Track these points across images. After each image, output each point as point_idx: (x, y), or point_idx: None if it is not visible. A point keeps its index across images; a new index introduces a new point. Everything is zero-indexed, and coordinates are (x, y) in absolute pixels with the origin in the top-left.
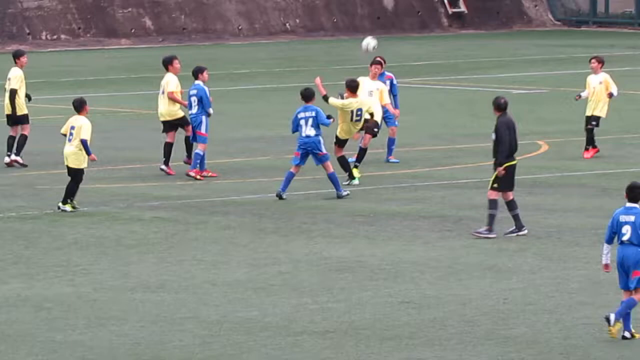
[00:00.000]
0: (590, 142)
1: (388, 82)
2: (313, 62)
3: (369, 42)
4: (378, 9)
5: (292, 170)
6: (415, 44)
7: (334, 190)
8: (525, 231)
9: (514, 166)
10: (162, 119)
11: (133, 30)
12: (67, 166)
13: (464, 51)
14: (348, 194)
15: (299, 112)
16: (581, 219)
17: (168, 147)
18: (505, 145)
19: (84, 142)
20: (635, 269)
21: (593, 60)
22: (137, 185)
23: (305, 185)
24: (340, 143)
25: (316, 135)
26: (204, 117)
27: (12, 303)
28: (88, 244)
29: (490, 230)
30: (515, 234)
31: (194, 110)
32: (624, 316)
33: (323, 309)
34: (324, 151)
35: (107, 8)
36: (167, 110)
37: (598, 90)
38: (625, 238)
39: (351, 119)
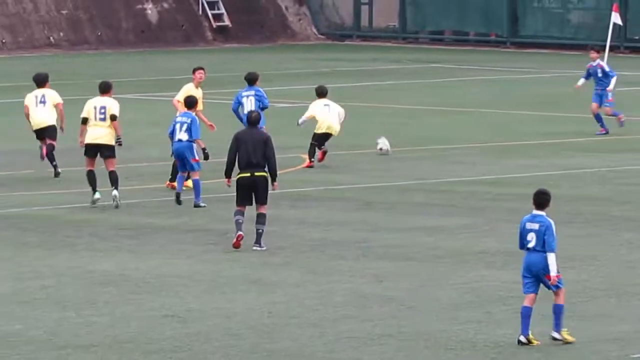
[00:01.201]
0: None
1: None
2: (78, 76)
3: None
4: (142, 23)
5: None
6: (179, 58)
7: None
8: (263, 248)
9: (244, 178)
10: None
11: None
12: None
13: (228, 65)
14: (205, 206)
15: (176, 118)
16: (345, 232)
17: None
18: (228, 159)
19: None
20: (546, 273)
21: None
22: None
23: (70, 199)
24: None
25: (188, 141)
26: None
27: None
28: None
29: (238, 232)
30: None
31: None
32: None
33: (87, 323)
34: (197, 158)
35: None
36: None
37: None
38: (530, 245)
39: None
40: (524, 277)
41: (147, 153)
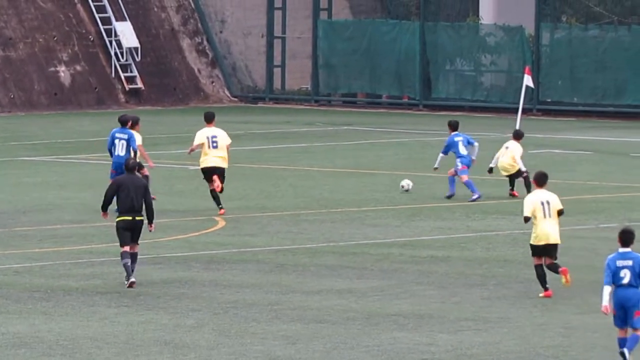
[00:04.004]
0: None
1: None
2: None
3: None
4: (55, 85)
5: None
6: (92, 120)
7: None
8: (133, 280)
9: (126, 222)
10: None
11: None
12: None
13: (141, 127)
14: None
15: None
16: (258, 294)
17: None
18: (105, 198)
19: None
20: (637, 309)
21: None
22: None
23: None
24: None
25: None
26: None
27: None
28: None
29: (128, 279)
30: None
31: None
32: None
33: None
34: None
35: None
36: None
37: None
38: (625, 281)
39: None
40: (617, 311)
41: (60, 215)
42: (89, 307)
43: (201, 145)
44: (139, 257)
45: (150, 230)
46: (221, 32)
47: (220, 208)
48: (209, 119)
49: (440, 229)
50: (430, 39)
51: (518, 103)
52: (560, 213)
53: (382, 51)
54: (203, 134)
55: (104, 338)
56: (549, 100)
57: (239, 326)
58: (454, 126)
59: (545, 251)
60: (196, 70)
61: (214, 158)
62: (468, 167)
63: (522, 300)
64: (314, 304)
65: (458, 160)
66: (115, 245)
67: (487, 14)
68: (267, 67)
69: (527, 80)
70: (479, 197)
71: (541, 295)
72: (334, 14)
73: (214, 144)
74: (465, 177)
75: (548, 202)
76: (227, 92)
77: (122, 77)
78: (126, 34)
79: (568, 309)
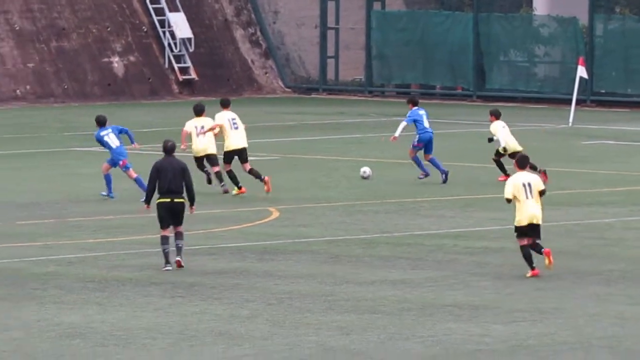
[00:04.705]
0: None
1: None
2: (44, 129)
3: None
4: (108, 76)
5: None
6: (145, 111)
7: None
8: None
9: (164, 203)
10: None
11: None
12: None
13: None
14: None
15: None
16: (312, 285)
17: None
18: (148, 185)
19: None
20: None
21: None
22: None
23: (35, 252)
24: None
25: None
26: None
27: None
28: None
29: (165, 265)
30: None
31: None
32: None
33: None
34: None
35: None
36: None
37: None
38: None
39: None
40: None
41: (113, 206)
42: (143, 298)
43: (220, 128)
44: (194, 247)
45: (190, 213)
46: (274, 22)
47: (240, 187)
48: (226, 104)
49: (494, 220)
50: (484, 30)
51: (572, 94)
52: (542, 193)
53: (435, 42)
54: (223, 117)
55: (158, 329)
56: (603, 91)
57: (293, 317)
58: (414, 102)
59: (531, 231)
60: (249, 61)
61: (237, 139)
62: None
63: (575, 291)
64: (368, 295)
65: (417, 137)
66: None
67: (541, 5)
68: (320, 58)
69: (581, 72)
70: (427, 176)
71: (528, 275)
72: (387, 4)
73: (235, 126)
74: (413, 154)
75: (529, 184)
76: (280, 83)
77: (176, 68)
78: (179, 24)
79: (621, 299)
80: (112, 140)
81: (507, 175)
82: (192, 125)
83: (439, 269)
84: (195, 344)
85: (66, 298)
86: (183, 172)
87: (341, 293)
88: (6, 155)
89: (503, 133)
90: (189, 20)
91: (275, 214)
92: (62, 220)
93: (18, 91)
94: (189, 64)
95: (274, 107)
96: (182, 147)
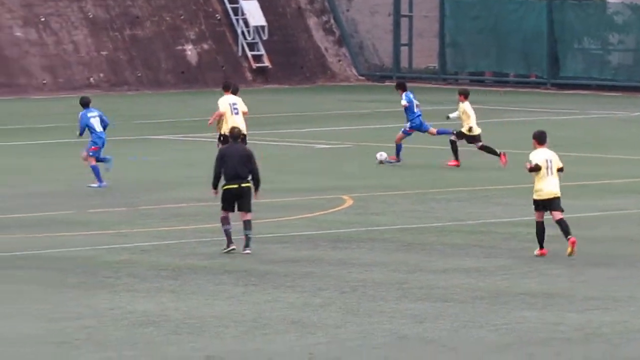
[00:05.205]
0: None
1: None
2: (117, 117)
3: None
4: (182, 64)
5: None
6: (218, 99)
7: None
8: (233, 247)
9: (231, 189)
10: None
11: None
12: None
13: (268, 106)
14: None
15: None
16: (385, 273)
17: None
18: (215, 171)
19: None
20: None
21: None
22: None
23: (108, 240)
24: None
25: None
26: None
27: None
28: None
29: (228, 246)
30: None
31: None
32: None
33: None
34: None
35: None
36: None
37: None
38: None
39: None
40: None
41: (186, 194)
42: (215, 286)
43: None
44: (266, 235)
45: (255, 198)
46: (348, 10)
47: None
48: (228, 88)
49: (567, 207)
50: (558, 17)
51: None
52: (560, 170)
53: (509, 30)
54: (225, 102)
55: (231, 317)
56: None
57: (366, 305)
58: (404, 87)
59: (550, 204)
60: (323, 49)
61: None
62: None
63: None
64: (441, 283)
65: (409, 123)
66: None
67: None
68: (394, 46)
69: None
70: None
71: (536, 253)
72: None
73: (235, 111)
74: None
75: (550, 160)
76: (353, 71)
77: (249, 56)
78: (253, 12)
79: None
80: (96, 124)
81: (458, 161)
82: (226, 104)
83: (512, 257)
84: (268, 332)
85: (139, 286)
86: (249, 158)
87: (414, 281)
88: (79, 143)
89: (473, 114)
90: (262, 8)
91: (349, 202)
92: (134, 209)
93: (92, 79)
94: (262, 51)
95: (347, 95)
96: (209, 124)
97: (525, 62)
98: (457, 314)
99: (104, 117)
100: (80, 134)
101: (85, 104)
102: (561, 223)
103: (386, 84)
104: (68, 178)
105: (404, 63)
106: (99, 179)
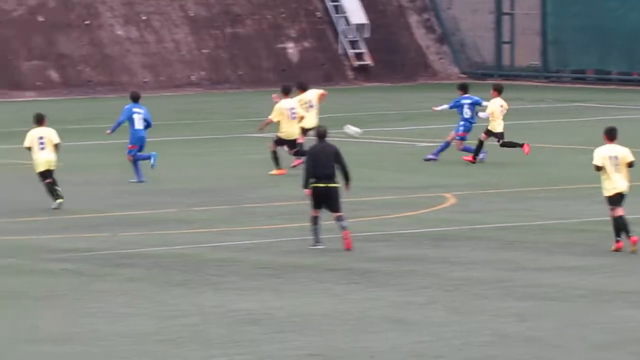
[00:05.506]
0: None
1: None
2: (218, 115)
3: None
4: (283, 62)
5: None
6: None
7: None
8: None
9: (318, 188)
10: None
11: (38, 83)
12: (48, 170)
13: (369, 104)
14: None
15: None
16: (488, 271)
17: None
18: (304, 171)
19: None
20: None
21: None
22: (44, 237)
23: (211, 238)
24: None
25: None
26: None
27: None
28: None
29: (315, 243)
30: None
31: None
32: None
33: None
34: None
35: (12, 61)
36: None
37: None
38: None
39: None
40: None
41: (287, 192)
42: (318, 284)
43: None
44: (368, 234)
45: (346, 190)
46: (449, 8)
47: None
48: (287, 92)
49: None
50: None
51: None
52: (630, 165)
53: (611, 27)
54: (283, 106)
55: (334, 315)
56: None
57: (469, 303)
58: (464, 89)
59: (618, 200)
60: (424, 47)
61: (292, 130)
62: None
63: None
64: (544, 281)
65: (462, 126)
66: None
67: None
68: (496, 44)
69: None
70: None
71: (612, 248)
72: None
73: (293, 116)
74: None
75: (616, 157)
76: (455, 69)
77: (350, 54)
78: (354, 10)
79: None
80: (138, 120)
81: (474, 158)
82: (285, 109)
83: (614, 255)
84: (372, 330)
85: (243, 284)
86: (335, 155)
87: (517, 279)
88: (181, 141)
89: (499, 112)
90: (363, 6)
91: (451, 200)
92: (238, 207)
93: (193, 77)
94: (363, 50)
95: (449, 93)
96: (258, 129)
97: (628, 60)
98: (561, 312)
99: (148, 117)
100: (112, 131)
101: (134, 98)
102: (618, 220)
103: (488, 81)
104: (168, 176)
105: (506, 61)
106: (139, 175)
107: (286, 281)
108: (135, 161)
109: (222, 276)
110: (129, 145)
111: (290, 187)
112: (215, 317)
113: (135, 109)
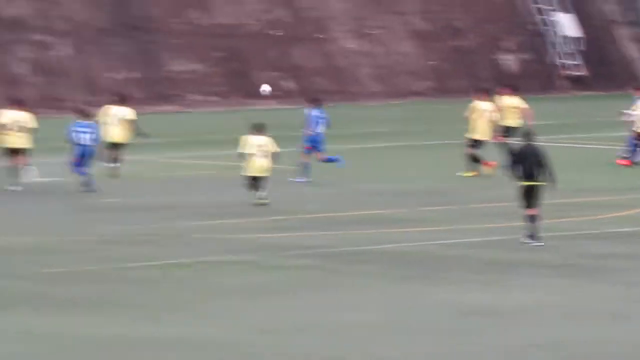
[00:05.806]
0: None
1: None
2: (440, 123)
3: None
4: (502, 73)
5: None
6: (536, 105)
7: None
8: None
9: (526, 187)
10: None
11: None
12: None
13: (582, 110)
14: None
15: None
16: None
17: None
18: (512, 170)
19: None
20: None
21: None
22: (282, 236)
23: (440, 235)
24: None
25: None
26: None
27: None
28: (234, 291)
29: (533, 239)
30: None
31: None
32: None
33: (459, 352)
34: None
35: (249, 72)
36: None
37: None
38: None
39: None
40: None
41: (510, 192)
42: (538, 279)
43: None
44: (582, 232)
45: (552, 190)
46: None
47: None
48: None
49: None
50: None
51: None
52: None
53: None
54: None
55: (556, 307)
56: None
57: None
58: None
59: None
60: (636, 60)
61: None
62: None
63: None
64: None
65: None
66: (559, 221)
67: None
68: None
69: None
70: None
71: None
72: None
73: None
74: None
75: None
76: None
77: (565, 65)
78: (569, 24)
79: None
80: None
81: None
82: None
83: None
84: (584, 322)
85: (472, 278)
86: (543, 157)
87: None
88: (406, 147)
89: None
90: (579, 20)
91: None
92: (464, 207)
93: (417, 87)
94: (578, 61)
95: None
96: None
97: None
98: None
99: (326, 117)
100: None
101: (314, 101)
102: None
103: None
104: (394, 178)
105: None
106: (307, 175)
107: (510, 276)
108: (324, 161)
109: (450, 271)
110: (305, 145)
111: (512, 188)
112: (446, 309)
113: (313, 113)
